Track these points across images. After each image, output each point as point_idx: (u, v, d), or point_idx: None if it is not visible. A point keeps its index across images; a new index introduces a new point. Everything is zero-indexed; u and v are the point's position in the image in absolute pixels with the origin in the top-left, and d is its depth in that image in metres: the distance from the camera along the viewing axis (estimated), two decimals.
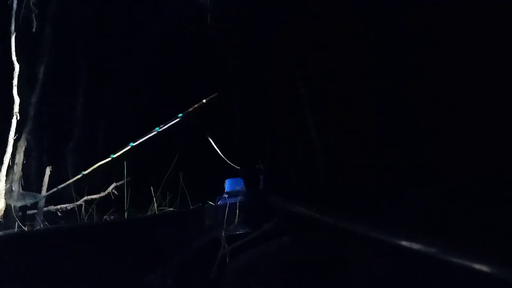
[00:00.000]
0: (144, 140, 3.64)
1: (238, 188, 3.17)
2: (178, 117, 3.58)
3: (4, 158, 3.29)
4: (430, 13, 1.84)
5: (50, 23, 4.08)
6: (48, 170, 3.48)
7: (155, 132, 3.59)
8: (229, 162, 3.47)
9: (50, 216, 3.73)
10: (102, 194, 4.00)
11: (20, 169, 3.56)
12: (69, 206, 3.82)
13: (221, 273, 1.06)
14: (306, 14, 2.57)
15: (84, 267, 1.18)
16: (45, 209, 3.74)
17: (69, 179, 3.66)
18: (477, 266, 0.78)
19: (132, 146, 3.77)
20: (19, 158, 3.66)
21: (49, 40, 4.08)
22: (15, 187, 3.46)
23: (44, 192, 3.48)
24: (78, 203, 3.88)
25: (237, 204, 2.29)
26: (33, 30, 3.78)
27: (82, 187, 4.06)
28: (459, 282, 0.80)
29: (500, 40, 1.46)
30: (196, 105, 3.35)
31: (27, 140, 3.77)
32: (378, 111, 3.40)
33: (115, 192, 4.03)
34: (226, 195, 3.25)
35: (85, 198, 3.92)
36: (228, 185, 3.39)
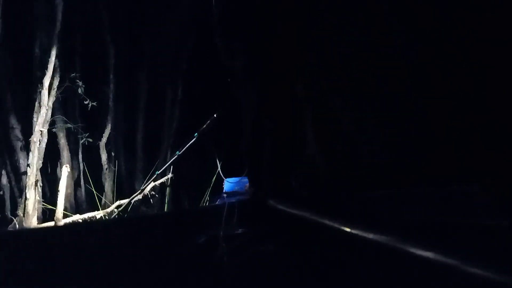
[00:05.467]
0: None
1: (236, 188, 3.21)
2: (194, 137, 3.57)
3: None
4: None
5: None
6: (65, 170, 2.80)
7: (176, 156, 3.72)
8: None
9: None
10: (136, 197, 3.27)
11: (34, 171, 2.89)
12: (98, 214, 3.10)
13: (217, 274, 1.02)
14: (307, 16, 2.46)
15: (83, 267, 1.16)
16: (70, 220, 3.05)
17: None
18: (475, 270, 0.82)
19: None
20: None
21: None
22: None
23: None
24: (109, 210, 3.17)
25: (237, 204, 2.30)
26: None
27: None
28: (458, 285, 0.83)
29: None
30: (208, 121, 3.42)
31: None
32: (377, 113, 3.06)
33: (154, 193, 3.36)
34: (225, 195, 3.25)
35: (116, 203, 3.21)
36: (227, 185, 3.40)
